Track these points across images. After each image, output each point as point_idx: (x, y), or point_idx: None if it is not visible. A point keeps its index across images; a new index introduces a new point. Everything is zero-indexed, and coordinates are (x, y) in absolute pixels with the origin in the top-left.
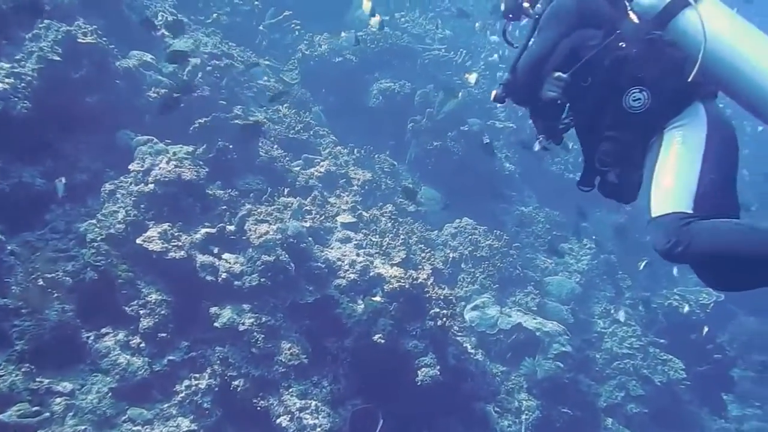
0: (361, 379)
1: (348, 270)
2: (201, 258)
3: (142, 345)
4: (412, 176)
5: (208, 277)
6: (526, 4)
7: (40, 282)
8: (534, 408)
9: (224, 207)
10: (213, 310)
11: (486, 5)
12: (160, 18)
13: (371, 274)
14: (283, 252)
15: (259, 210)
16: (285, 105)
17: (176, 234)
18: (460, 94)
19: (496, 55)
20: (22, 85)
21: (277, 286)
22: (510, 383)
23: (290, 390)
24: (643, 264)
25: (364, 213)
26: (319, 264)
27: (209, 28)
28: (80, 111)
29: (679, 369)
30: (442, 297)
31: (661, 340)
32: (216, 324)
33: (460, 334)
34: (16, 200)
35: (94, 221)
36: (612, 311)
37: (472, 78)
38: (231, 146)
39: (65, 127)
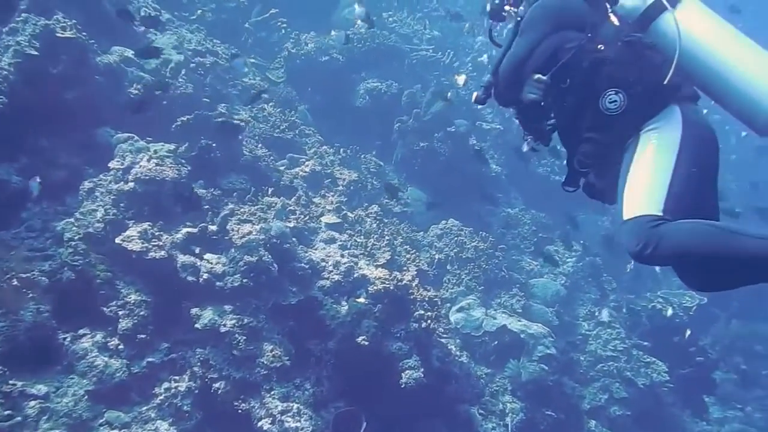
0: (344, 381)
1: (332, 271)
2: (182, 258)
3: (121, 346)
4: (399, 177)
5: (189, 278)
6: (508, 7)
7: (15, 282)
8: (518, 410)
9: (206, 206)
10: (194, 311)
11: (476, 6)
12: (142, 14)
13: (356, 275)
14: (266, 252)
15: (242, 210)
16: (270, 103)
17: (157, 233)
18: (449, 94)
19: (485, 56)
20: None
21: (259, 287)
22: (494, 385)
23: (272, 392)
24: (629, 267)
25: (349, 213)
26: (302, 265)
27: (193, 25)
28: (59, 107)
29: (662, 371)
30: (426, 299)
31: (645, 343)
32: (197, 325)
33: (444, 336)
34: None
35: (71, 220)
36: (596, 313)
37: (461, 79)
38: (214, 144)
39: (43, 124)
